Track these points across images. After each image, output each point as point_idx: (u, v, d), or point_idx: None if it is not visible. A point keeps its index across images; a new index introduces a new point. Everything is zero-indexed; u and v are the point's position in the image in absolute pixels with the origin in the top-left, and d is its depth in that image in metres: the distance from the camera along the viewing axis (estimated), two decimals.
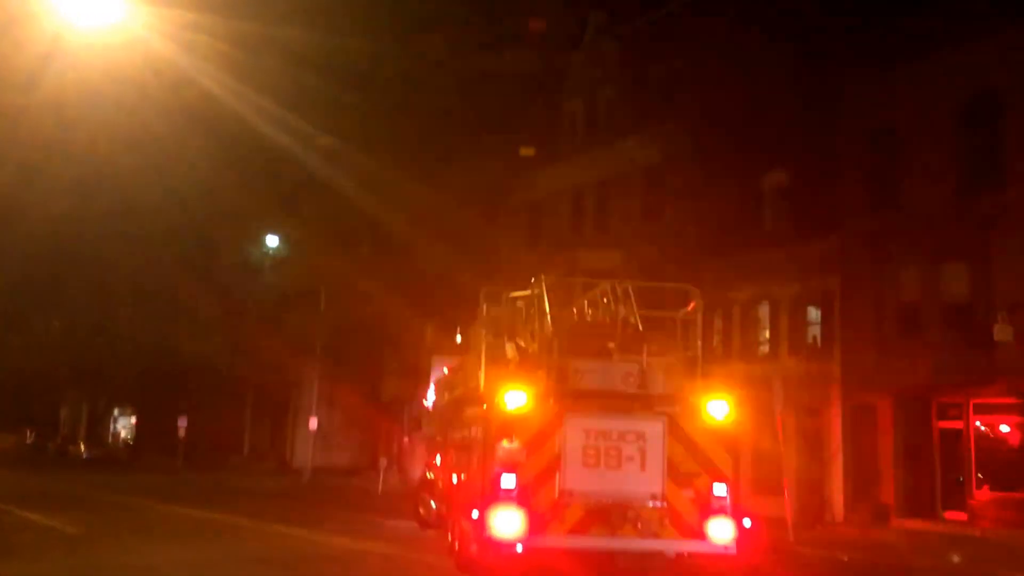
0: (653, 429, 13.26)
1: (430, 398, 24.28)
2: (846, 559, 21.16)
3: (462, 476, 15.99)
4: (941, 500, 25.79)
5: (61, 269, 72.60)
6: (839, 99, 28.39)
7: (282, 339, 47.76)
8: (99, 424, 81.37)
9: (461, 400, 17.04)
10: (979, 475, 25.10)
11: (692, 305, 14.49)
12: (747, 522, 13.48)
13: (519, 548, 12.74)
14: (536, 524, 12.77)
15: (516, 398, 13.00)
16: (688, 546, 13.24)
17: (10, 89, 26.62)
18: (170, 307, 57.94)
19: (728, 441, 13.84)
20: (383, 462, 41.72)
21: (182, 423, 54.57)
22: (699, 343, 14.45)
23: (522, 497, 12.78)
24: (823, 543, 23.20)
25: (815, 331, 29.36)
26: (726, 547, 13.04)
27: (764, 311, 30.04)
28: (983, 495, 24.91)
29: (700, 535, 13.07)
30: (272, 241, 43.53)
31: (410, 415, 39.12)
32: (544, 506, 12.89)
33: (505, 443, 12.93)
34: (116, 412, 75.24)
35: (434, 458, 21.20)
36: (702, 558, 13.23)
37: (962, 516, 24.93)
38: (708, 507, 13.13)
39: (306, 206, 39.04)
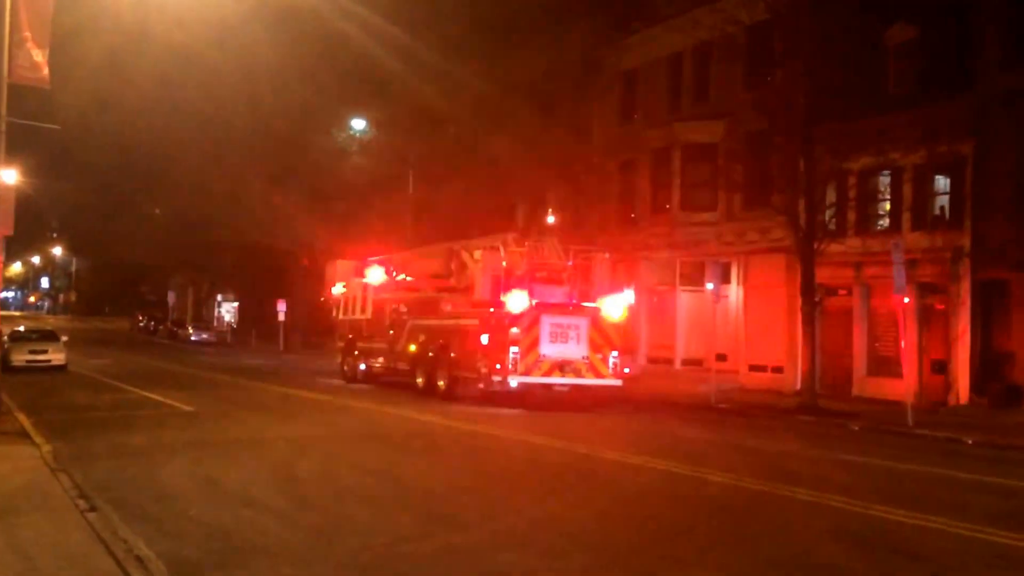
0: (582, 323, 24.21)
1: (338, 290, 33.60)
2: (970, 442, 20.00)
3: (450, 344, 25.67)
4: None
5: (160, 159, 73.56)
6: None
7: (371, 222, 47.16)
8: (204, 308, 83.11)
9: (441, 298, 27.06)
10: None
11: (607, 255, 26.65)
12: (627, 371, 25.81)
13: (515, 384, 23.56)
14: (525, 372, 23.56)
15: (519, 304, 23.49)
16: (598, 382, 24.27)
17: None
18: (264, 194, 57.95)
19: (619, 329, 24.78)
20: None
21: (281, 307, 55.39)
22: (607, 278, 25.84)
23: (520, 358, 23.46)
24: (945, 426, 22.08)
25: (942, 202, 27.28)
26: (615, 383, 24.48)
27: (884, 181, 27.80)
28: None
29: (603, 376, 24.21)
30: (358, 124, 42.37)
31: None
32: (529, 363, 23.62)
33: (513, 330, 23.44)
34: (220, 297, 76.57)
35: (364, 334, 31.28)
36: (604, 388, 24.51)
37: None
38: (607, 363, 24.22)
39: (393, 88, 37.67)
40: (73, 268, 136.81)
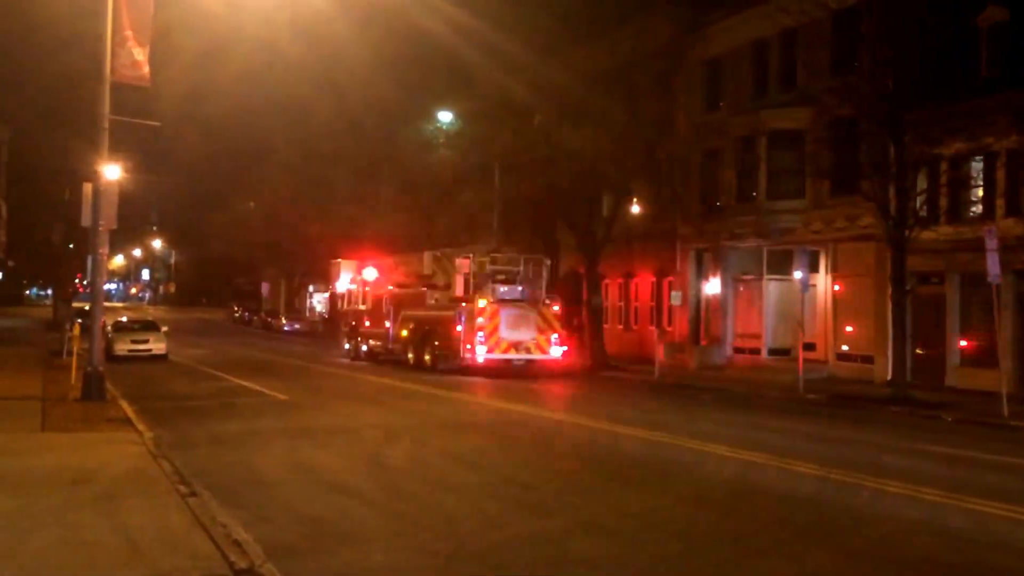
0: (531, 313, 31.13)
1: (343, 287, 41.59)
2: None
3: (434, 329, 32.73)
4: None
5: (252, 153, 75.32)
6: None
7: (458, 214, 47.63)
8: (296, 299, 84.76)
9: (424, 292, 34.20)
10: None
11: (548, 262, 33.71)
12: (565, 347, 32.25)
13: (481, 360, 30.44)
14: (489, 350, 30.49)
15: (482, 301, 30.70)
16: (543, 357, 31.32)
17: None
18: (352, 187, 58.94)
19: (558, 317, 31.77)
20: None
21: None
22: (544, 281, 32.43)
23: (484, 340, 30.41)
24: None
25: None
26: (556, 358, 31.58)
27: (976, 167, 27.10)
28: None
29: (547, 352, 31.24)
30: (445, 117, 42.82)
31: (590, 285, 38.42)
32: (492, 343, 30.56)
33: (479, 319, 30.48)
34: (311, 288, 78.09)
35: (364, 321, 38.74)
36: (549, 362, 31.63)
37: None
38: (551, 343, 31.21)
39: (476, 81, 37.98)
40: (172, 260, 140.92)
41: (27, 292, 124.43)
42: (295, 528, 9.89)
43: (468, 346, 30.48)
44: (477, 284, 31.71)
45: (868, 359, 30.45)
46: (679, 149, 37.13)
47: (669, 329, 38.38)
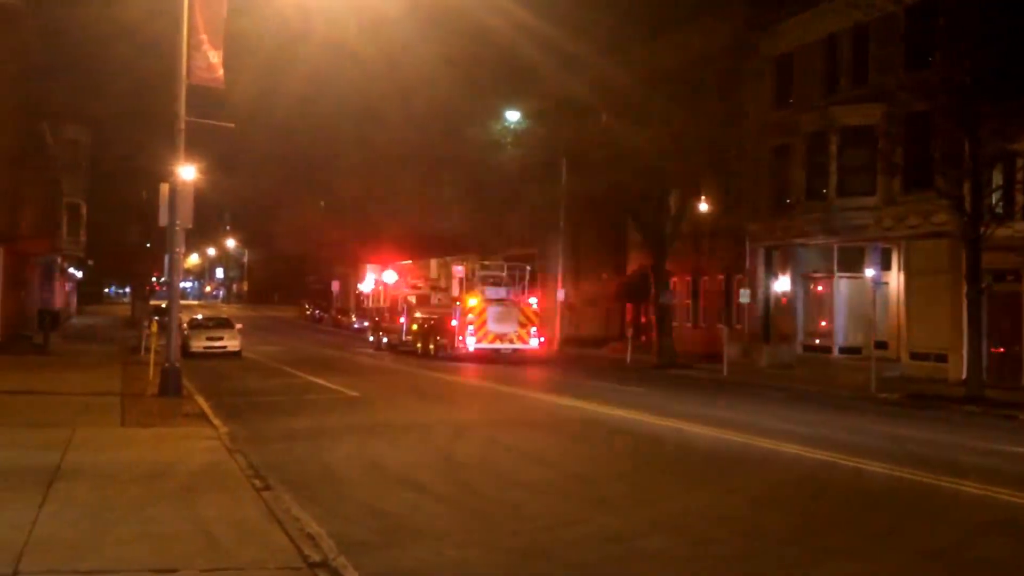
0: (514, 309, 36.62)
1: (368, 288, 50.07)
2: None
3: (437, 324, 38.34)
4: None
5: (321, 153, 76.36)
6: None
7: (525, 211, 47.78)
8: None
9: (429, 294, 41.17)
10: None
11: (529, 268, 39.39)
12: (542, 338, 38.00)
13: (472, 348, 35.88)
14: (478, 341, 35.84)
15: (472, 300, 36.26)
16: (524, 347, 36.84)
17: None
18: (419, 185, 59.42)
19: (537, 313, 37.26)
20: (630, 332, 41.27)
21: None
22: (526, 283, 38.15)
23: (474, 332, 35.80)
24: None
25: None
26: (535, 348, 37.26)
27: None
28: None
29: (527, 343, 36.78)
30: (512, 115, 43.04)
31: (658, 283, 38.28)
32: (481, 335, 35.87)
33: (470, 315, 35.91)
34: None
35: (385, 317, 45.19)
36: (529, 351, 37.12)
37: None
38: (530, 334, 36.62)
39: (543, 79, 38.06)
40: (245, 259, 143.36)
41: (106, 290, 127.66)
42: (367, 522, 10.07)
43: (460, 337, 36.13)
44: (469, 286, 37.53)
45: (942, 358, 29.87)
46: (748, 147, 36.80)
47: (738, 327, 38.06)
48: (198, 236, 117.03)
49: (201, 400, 20.62)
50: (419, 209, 59.18)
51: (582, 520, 10.39)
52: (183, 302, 55.12)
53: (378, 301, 47.19)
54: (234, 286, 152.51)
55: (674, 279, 41.45)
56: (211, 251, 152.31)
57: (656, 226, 37.99)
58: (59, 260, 56.19)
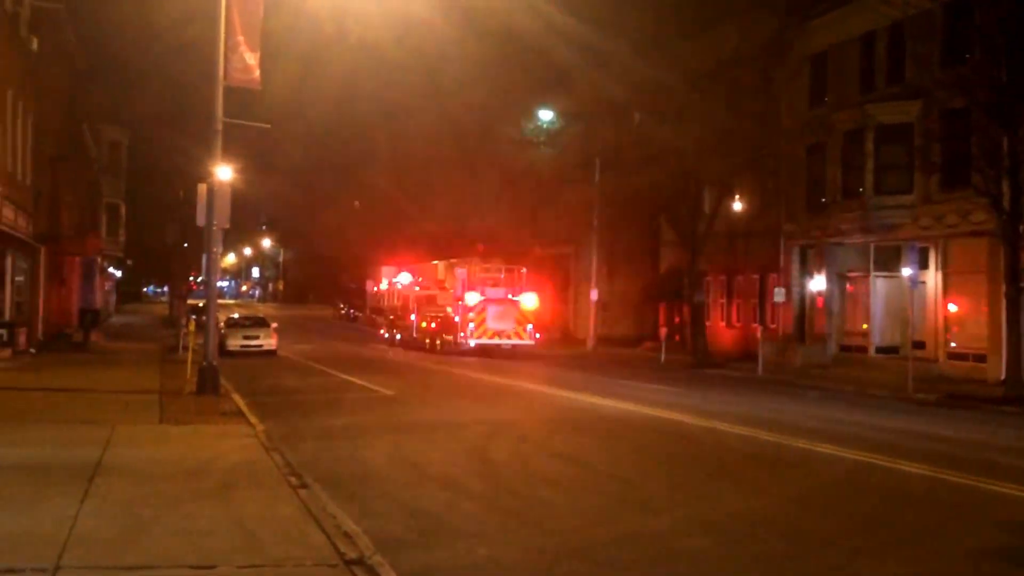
0: (512, 308, 39.49)
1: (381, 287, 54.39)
2: None
3: (442, 321, 41.27)
4: None
5: (356, 154, 76.67)
6: None
7: (559, 210, 47.75)
8: None
9: (436, 294, 43.22)
10: None
11: (524, 269, 41.57)
12: (537, 335, 40.18)
13: (472, 344, 38.81)
14: (479, 337, 38.79)
15: (473, 300, 39.27)
16: (520, 342, 39.53)
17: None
18: (453, 185, 59.53)
19: (532, 313, 39.83)
20: (663, 331, 41.17)
21: None
22: (522, 284, 40.61)
23: (475, 328, 38.80)
24: None
25: None
26: (531, 343, 39.68)
27: None
28: None
29: (523, 339, 39.49)
30: (546, 115, 43.10)
31: (692, 282, 38.13)
32: (480, 331, 38.91)
33: (471, 313, 38.83)
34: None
35: (398, 315, 48.46)
36: (525, 346, 39.59)
37: None
38: (526, 331, 39.41)
39: (576, 79, 38.12)
40: (281, 259, 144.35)
41: (145, 290, 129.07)
42: (402, 521, 10.13)
43: (462, 334, 39.08)
44: (470, 286, 40.00)
45: (980, 358, 29.54)
46: (783, 145, 36.59)
47: (772, 327, 37.84)
48: (234, 236, 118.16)
49: (238, 398, 20.77)
50: (452, 209, 59.29)
51: (617, 520, 10.39)
52: (220, 301, 55.79)
53: (392, 300, 51.24)
54: (270, 285, 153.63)
55: (708, 278, 41.30)
56: (247, 251, 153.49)
57: (690, 225, 37.87)
58: (99, 260, 56.88)
